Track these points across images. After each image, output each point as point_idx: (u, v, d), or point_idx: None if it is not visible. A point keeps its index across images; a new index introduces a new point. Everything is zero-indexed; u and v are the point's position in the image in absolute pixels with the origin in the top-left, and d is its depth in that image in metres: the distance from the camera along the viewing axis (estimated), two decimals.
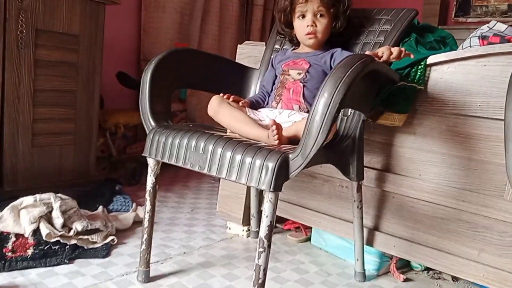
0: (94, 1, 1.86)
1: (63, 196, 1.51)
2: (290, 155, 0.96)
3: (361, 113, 1.22)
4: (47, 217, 1.44)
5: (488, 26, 1.34)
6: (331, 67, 1.28)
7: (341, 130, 1.26)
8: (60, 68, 1.80)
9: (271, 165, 0.94)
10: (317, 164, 1.15)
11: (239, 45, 1.74)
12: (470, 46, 1.33)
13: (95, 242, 1.43)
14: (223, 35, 3.17)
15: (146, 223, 1.24)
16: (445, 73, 1.24)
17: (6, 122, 1.67)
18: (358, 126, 1.23)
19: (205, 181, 2.41)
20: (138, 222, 1.66)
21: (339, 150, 1.20)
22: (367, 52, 1.15)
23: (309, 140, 0.93)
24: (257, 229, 1.67)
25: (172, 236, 1.62)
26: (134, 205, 1.80)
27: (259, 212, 1.66)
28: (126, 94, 2.53)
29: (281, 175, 0.95)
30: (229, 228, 1.72)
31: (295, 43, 1.42)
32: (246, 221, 1.68)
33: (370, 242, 1.40)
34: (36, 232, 1.39)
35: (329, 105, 0.90)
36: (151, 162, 1.20)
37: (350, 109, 1.26)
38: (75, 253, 1.37)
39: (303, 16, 1.31)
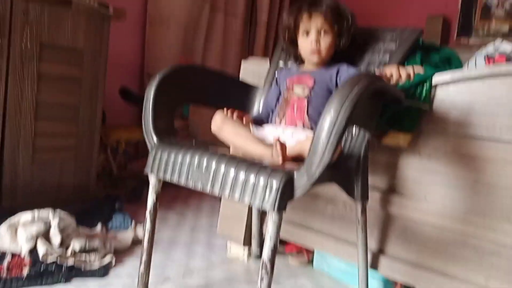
0: (99, 16, 1.87)
1: (62, 213, 1.49)
2: (295, 174, 0.93)
3: (366, 132, 1.20)
4: (45, 235, 1.41)
5: (494, 46, 1.34)
6: (336, 83, 1.27)
7: (346, 149, 1.24)
8: (64, 82, 1.80)
9: (275, 184, 0.92)
10: (322, 183, 1.12)
11: (243, 61, 1.73)
12: (476, 66, 1.32)
13: (93, 262, 1.40)
14: (227, 52, 3.18)
15: (145, 243, 1.21)
16: (451, 93, 1.23)
17: (7, 136, 1.66)
18: (362, 145, 1.21)
19: (206, 200, 2.38)
20: (137, 241, 1.63)
21: (343, 170, 1.18)
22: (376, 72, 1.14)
23: (315, 159, 0.91)
24: (258, 250, 1.63)
25: (172, 257, 1.58)
26: (133, 223, 1.77)
27: (260, 233, 1.63)
28: (128, 109, 2.52)
29: (286, 194, 0.92)
30: (230, 249, 1.68)
31: (300, 60, 1.41)
32: (247, 242, 1.65)
33: (374, 266, 1.37)
34: (33, 250, 1.36)
35: (335, 123, 0.89)
36: (152, 179, 1.18)
37: (354, 128, 1.24)
38: (72, 273, 1.33)
39: (307, 34, 1.31)
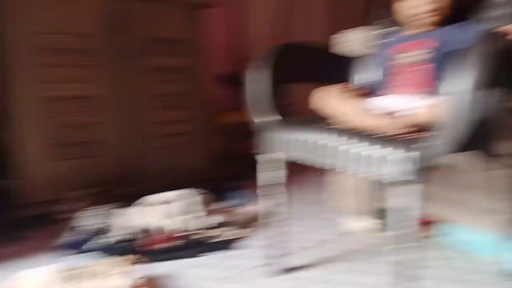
0: (196, 7, 1.95)
1: (185, 193, 1.60)
2: (428, 143, 0.89)
3: (505, 93, 1.08)
4: (172, 214, 1.52)
5: None
6: (455, 46, 1.17)
7: (483, 113, 1.13)
8: (171, 73, 1.93)
9: (407, 155, 0.88)
10: (458, 151, 1.05)
11: (338, 34, 1.68)
12: None
13: (220, 237, 1.49)
14: (317, 30, 3.11)
15: (273, 217, 1.24)
16: None
17: (135, 128, 1.81)
18: (501, 108, 1.10)
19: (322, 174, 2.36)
20: (258, 217, 1.69)
21: (481, 136, 1.08)
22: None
23: (454, 126, 0.85)
24: (384, 224, 1.61)
25: (294, 231, 1.58)
26: (253, 200, 1.84)
27: (383, 208, 1.59)
28: (233, 93, 2.59)
29: (420, 165, 0.88)
30: (355, 223, 1.67)
31: (405, 25, 1.32)
32: (373, 216, 1.63)
33: None
34: (162, 228, 1.47)
35: (472, 84, 0.82)
36: (276, 156, 1.20)
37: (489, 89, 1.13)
38: (200, 247, 1.43)
39: None
